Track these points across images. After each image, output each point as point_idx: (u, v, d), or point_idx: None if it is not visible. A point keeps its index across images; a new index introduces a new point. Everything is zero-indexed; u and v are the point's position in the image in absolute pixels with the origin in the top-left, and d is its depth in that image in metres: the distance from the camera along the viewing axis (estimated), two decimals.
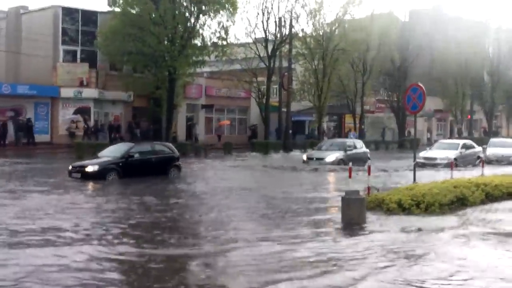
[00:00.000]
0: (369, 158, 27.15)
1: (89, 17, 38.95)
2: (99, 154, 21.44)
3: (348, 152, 28.43)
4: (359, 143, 31.17)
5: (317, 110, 45.04)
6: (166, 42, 35.45)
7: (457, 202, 13.98)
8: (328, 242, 10.17)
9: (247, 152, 37.33)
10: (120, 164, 20.15)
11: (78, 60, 38.55)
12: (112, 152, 21.24)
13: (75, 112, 37.27)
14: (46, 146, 34.74)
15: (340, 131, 54.08)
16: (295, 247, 9.65)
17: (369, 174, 15.26)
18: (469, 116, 61.73)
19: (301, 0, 42.78)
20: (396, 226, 11.64)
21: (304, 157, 29.08)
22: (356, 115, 49.32)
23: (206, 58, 38.28)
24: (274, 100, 45.02)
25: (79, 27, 38.63)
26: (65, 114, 37.14)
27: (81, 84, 37.04)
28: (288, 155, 37.18)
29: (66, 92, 36.67)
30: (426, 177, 19.92)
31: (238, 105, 48.37)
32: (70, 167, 20.33)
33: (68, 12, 38.48)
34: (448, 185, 14.96)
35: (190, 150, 35.06)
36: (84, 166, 19.92)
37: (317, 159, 27.97)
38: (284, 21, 42.54)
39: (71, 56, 38.70)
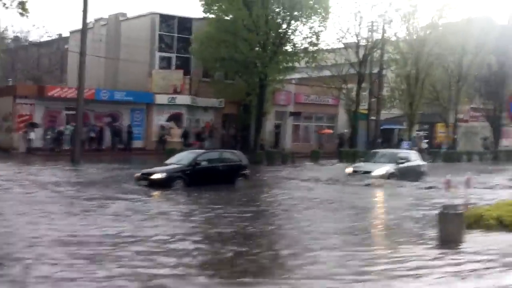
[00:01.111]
0: (424, 173, 25.83)
1: (185, 24, 39.92)
2: (167, 162, 21.46)
3: (400, 166, 24.97)
4: (414, 155, 27.71)
5: (408, 118, 44.01)
6: (257, 48, 35.83)
7: None
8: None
9: (334, 160, 36.95)
10: (187, 172, 19.98)
11: (173, 66, 39.66)
12: (179, 159, 21.11)
13: (168, 119, 38.24)
14: (141, 152, 35.99)
15: (431, 141, 52.52)
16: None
17: (468, 187, 14.72)
18: None
19: (394, 3, 42.00)
20: (497, 244, 11.19)
21: (349, 169, 25.62)
22: (448, 123, 47.72)
23: (297, 64, 38.40)
24: (363, 107, 44.37)
25: (175, 34, 39.73)
26: (159, 121, 38.26)
27: (175, 91, 38.04)
28: None
29: (161, 99, 37.77)
30: None
31: (326, 112, 48.01)
32: (138, 174, 20.32)
33: (165, 19, 39.63)
34: None
35: (277, 158, 35.15)
36: (151, 174, 19.79)
37: (365, 172, 24.45)
38: (377, 26, 41.96)
39: (166, 63, 39.84)
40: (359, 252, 10.56)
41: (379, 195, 21.02)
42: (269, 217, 15.13)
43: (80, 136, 30.09)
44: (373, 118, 42.55)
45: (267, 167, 31.37)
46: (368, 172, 24.19)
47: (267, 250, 10.92)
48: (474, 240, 11.58)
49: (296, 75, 44.48)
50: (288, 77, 41.51)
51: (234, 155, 22.57)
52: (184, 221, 14.01)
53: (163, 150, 33.34)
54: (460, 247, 11.01)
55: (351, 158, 37.29)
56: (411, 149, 34.29)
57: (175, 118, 38.39)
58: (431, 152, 45.68)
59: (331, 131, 46.59)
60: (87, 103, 31.99)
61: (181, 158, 21.17)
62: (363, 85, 42.70)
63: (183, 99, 38.08)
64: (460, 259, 10.07)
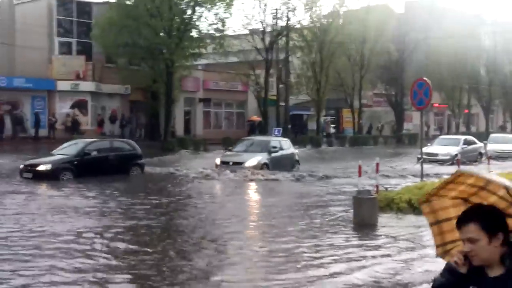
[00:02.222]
0: (298, 162, 24.19)
1: (84, 8, 38.49)
2: (53, 152, 20.42)
3: (273, 155, 22.67)
4: (286, 143, 25.01)
5: (315, 103, 44.75)
6: (162, 34, 35.09)
7: None
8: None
9: None
10: (75, 162, 19.05)
11: (74, 52, 38.06)
12: (67, 149, 20.12)
13: (72, 106, 36.82)
14: (47, 141, 34.09)
15: (337, 125, 53.82)
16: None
17: (377, 172, 15.02)
18: (466, 110, 61.61)
19: None
20: (407, 225, 11.46)
21: (217, 160, 22.61)
22: (354, 109, 49.04)
23: (203, 50, 38.02)
24: (272, 94, 44.65)
25: (74, 18, 38.15)
26: (62, 108, 36.67)
27: (77, 77, 36.56)
28: None
29: (63, 85, 36.16)
30: (432, 174, 19.70)
31: (236, 99, 47.98)
32: (22, 166, 19.15)
33: (62, 3, 37.98)
34: None
35: (189, 145, 34.74)
36: (36, 165, 18.75)
37: (234, 163, 21.73)
38: (281, 13, 42.22)
39: (66, 48, 38.17)
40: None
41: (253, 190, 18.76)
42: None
43: None
44: (282, 104, 42.86)
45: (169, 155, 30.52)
46: (239, 163, 21.65)
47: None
48: (387, 222, 11.79)
49: (204, 61, 44.09)
50: (195, 63, 41.01)
51: (127, 144, 21.77)
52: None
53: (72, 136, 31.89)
54: (375, 229, 11.16)
55: None
56: (282, 136, 31.63)
57: (80, 105, 36.90)
58: (338, 137, 46.88)
59: (259, 118, 46.18)
60: None
61: (69, 148, 20.18)
62: (271, 71, 42.92)
63: (87, 85, 36.63)
64: (376, 241, 10.17)
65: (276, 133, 32.42)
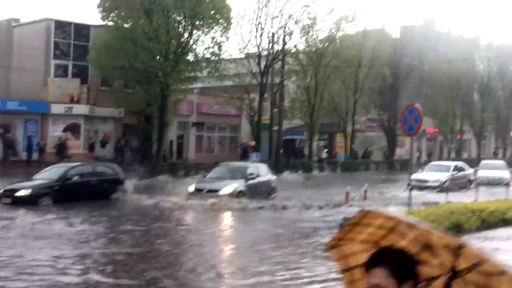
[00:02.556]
0: (274, 189, 23.11)
1: (82, 31, 38.68)
2: (35, 176, 20.22)
3: (250, 182, 21.62)
4: (264, 169, 23.89)
5: (308, 128, 44.96)
6: (159, 57, 35.31)
7: (453, 229, 13.84)
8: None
9: None
10: (56, 187, 18.84)
11: (70, 75, 38.19)
12: (48, 174, 19.90)
13: (65, 129, 36.70)
14: (38, 165, 33.99)
15: (330, 150, 53.98)
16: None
17: (365, 198, 15.14)
18: (459, 136, 61.91)
19: (294, 16, 42.85)
20: None
21: (191, 188, 21.33)
22: (347, 134, 49.28)
23: (199, 74, 38.27)
24: (265, 118, 44.82)
25: (71, 41, 38.35)
26: (55, 131, 36.59)
27: (72, 100, 36.60)
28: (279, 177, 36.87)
29: (57, 108, 36.14)
30: (420, 201, 19.80)
31: (229, 122, 48.12)
32: (1, 191, 18.85)
33: (60, 25, 38.16)
34: (444, 211, 14.89)
35: (180, 169, 34.71)
36: (15, 190, 18.52)
37: (210, 191, 20.59)
38: (278, 37, 42.61)
39: (62, 71, 38.31)
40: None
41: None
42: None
43: None
44: (275, 128, 43.04)
45: (163, 178, 30.40)
46: (214, 191, 20.47)
47: None
48: None
49: (199, 85, 44.32)
50: (190, 86, 41.22)
51: (109, 169, 21.58)
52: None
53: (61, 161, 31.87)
54: None
55: None
56: (260, 161, 30.14)
57: (72, 129, 36.89)
58: (330, 162, 46.98)
59: (253, 142, 46.29)
60: None
61: (51, 173, 19.95)
62: (265, 95, 43.14)
63: (81, 108, 36.68)
64: None
65: (254, 158, 30.97)
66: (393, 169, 47.27)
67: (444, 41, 57.36)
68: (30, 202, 17.95)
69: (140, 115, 38.63)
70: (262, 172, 23.11)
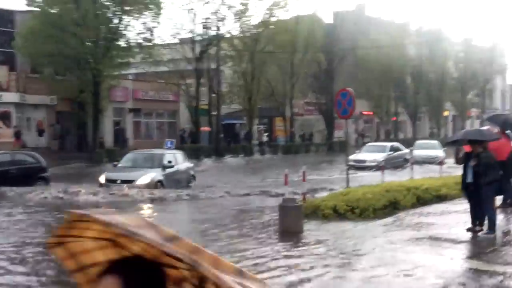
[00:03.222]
0: (194, 177, 21.70)
1: (7, 16, 37.17)
2: None
3: (168, 171, 19.76)
4: (181, 156, 21.84)
5: (247, 113, 44.93)
6: (89, 44, 34.48)
7: (390, 206, 14.08)
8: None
9: None
10: None
11: None
12: None
13: None
14: None
15: (270, 134, 54.20)
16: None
17: (304, 180, 15.16)
18: (394, 118, 63.36)
19: (227, 1, 42.50)
20: (331, 232, 11.59)
21: (102, 178, 19.35)
22: (286, 117, 49.56)
23: (132, 59, 37.62)
24: (203, 103, 44.48)
25: None
26: None
27: (1, 88, 35.23)
28: (219, 161, 36.85)
29: None
30: (358, 180, 20.07)
31: (167, 108, 47.48)
32: None
33: None
34: (381, 190, 15.08)
35: (119, 155, 34.01)
36: None
37: (124, 181, 18.58)
38: (211, 23, 42.18)
39: None
40: None
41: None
42: None
43: None
44: (214, 113, 42.79)
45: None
46: (129, 181, 18.53)
47: None
48: (311, 229, 11.87)
49: (133, 71, 43.52)
50: (124, 72, 40.41)
51: (31, 157, 20.67)
52: None
53: None
54: (299, 237, 11.20)
55: (195, 154, 37.29)
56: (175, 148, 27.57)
57: (3, 117, 35.52)
58: (271, 145, 47.23)
59: (208, 128, 45.56)
60: None
61: None
62: (202, 81, 42.80)
63: (10, 96, 35.33)
64: (299, 250, 10.19)
65: (168, 145, 26.93)
66: (332, 151, 47.99)
67: (375, 26, 58.33)
68: None
69: (73, 102, 37.59)
70: (179, 160, 21.08)
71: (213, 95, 43.59)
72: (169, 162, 20.00)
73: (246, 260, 9.12)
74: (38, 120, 38.14)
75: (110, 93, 39.11)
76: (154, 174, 19.04)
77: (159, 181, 19.09)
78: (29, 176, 19.50)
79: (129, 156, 21.38)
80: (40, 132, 37.33)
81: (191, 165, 22.45)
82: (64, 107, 38.48)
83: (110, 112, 40.68)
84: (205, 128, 44.63)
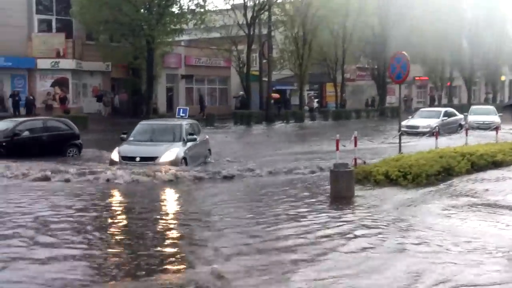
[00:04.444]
0: (210, 152, 18.77)
1: None
2: None
3: (190, 144, 16.68)
4: (197, 127, 18.85)
5: (298, 78, 44.79)
6: (143, 10, 34.89)
7: (443, 172, 13.98)
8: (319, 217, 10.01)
9: (229, 124, 37.10)
10: (4, 143, 17.89)
11: (54, 30, 37.59)
12: None
13: (53, 84, 36.48)
14: None
15: (321, 100, 53.90)
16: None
17: (355, 145, 15.17)
18: (448, 83, 61.96)
19: None
20: (384, 198, 11.61)
21: (114, 155, 16.07)
22: (337, 83, 49.14)
23: (184, 26, 37.90)
24: (254, 69, 44.60)
25: None
26: (43, 86, 36.38)
27: (58, 55, 36.20)
28: (269, 127, 37.05)
29: (43, 64, 35.79)
30: (411, 147, 19.92)
31: (219, 74, 47.88)
32: None
33: None
34: (434, 155, 14.97)
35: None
36: None
37: (144, 159, 15.61)
38: None
39: (46, 26, 37.64)
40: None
41: None
42: None
43: None
44: (264, 79, 42.85)
45: None
46: (151, 159, 15.58)
47: None
48: (363, 195, 11.92)
49: (186, 37, 43.89)
50: (177, 39, 40.83)
51: (63, 124, 20.36)
52: None
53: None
54: (351, 203, 11.28)
55: (246, 120, 37.68)
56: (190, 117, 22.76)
57: (61, 83, 36.61)
58: (322, 111, 47.06)
59: (278, 95, 45.84)
60: None
61: None
62: (253, 46, 42.81)
63: (67, 63, 36.30)
64: (350, 215, 10.28)
65: (181, 114, 22.37)
66: (384, 117, 47.43)
67: None
68: None
69: (128, 69, 38.37)
70: (196, 131, 18.01)
71: (264, 61, 43.55)
72: (191, 134, 17.09)
73: (298, 227, 9.23)
74: (94, 86, 39.19)
75: (163, 60, 39.72)
76: (178, 149, 16.05)
77: (184, 158, 16.05)
78: (61, 143, 19.34)
79: (141, 127, 17.58)
80: (98, 98, 38.31)
81: (207, 137, 19.35)
82: (119, 74, 39.36)
83: (163, 78, 41.37)
84: (275, 95, 44.70)
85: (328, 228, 9.16)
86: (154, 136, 17.04)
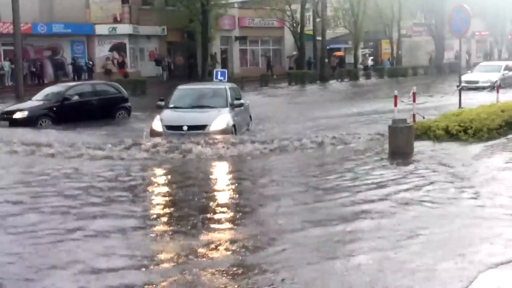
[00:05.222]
0: (251, 118, 16.99)
1: None
2: (34, 98, 19.18)
3: (237, 110, 14.95)
4: (238, 91, 16.81)
5: (353, 36, 44.21)
6: None
7: (505, 126, 13.73)
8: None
9: (283, 84, 37.14)
10: (54, 108, 18.03)
11: None
12: (46, 95, 18.93)
13: (111, 49, 37.46)
14: None
15: (376, 58, 53.05)
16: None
17: (414, 101, 15.07)
18: (509, 37, 59.76)
19: None
20: (444, 153, 11.56)
21: (157, 124, 13.89)
22: (392, 40, 48.22)
23: None
24: (308, 28, 44.23)
25: None
26: (101, 52, 37.32)
27: (115, 20, 37.02)
28: (324, 86, 36.91)
29: (101, 29, 36.73)
30: (470, 102, 19.57)
31: (272, 35, 47.74)
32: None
33: None
34: (496, 109, 14.67)
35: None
36: (13, 112, 17.88)
37: (191, 127, 13.55)
38: None
39: None
40: None
41: None
42: None
43: (21, 72, 29.04)
44: (318, 38, 42.49)
45: None
46: (200, 127, 13.58)
47: None
48: (422, 151, 11.89)
49: None
50: (230, 1, 40.86)
51: (111, 88, 20.53)
52: None
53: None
54: (410, 158, 11.30)
55: (300, 79, 37.61)
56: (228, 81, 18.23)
57: (118, 48, 37.46)
58: (377, 69, 46.42)
59: (341, 53, 45.41)
60: (24, 37, 30.88)
61: (49, 93, 18.97)
62: (307, 5, 42.38)
63: (124, 28, 37.09)
64: (410, 171, 10.33)
65: (219, 78, 17.88)
66: (442, 73, 46.33)
67: None
68: (28, 123, 17.13)
69: (183, 32, 38.81)
70: (238, 95, 16.09)
71: (318, 19, 43.13)
72: (238, 99, 15.33)
73: (358, 181, 9.41)
74: (150, 50, 39.89)
75: (217, 22, 39.93)
76: (228, 116, 14.10)
77: (233, 125, 14.16)
78: (110, 106, 19.46)
79: (181, 92, 15.57)
80: (157, 62, 38.94)
81: (248, 102, 17.09)
82: (174, 38, 39.89)
83: (217, 41, 41.64)
84: (338, 53, 43.69)
85: (384, 181, 9.25)
86: (197, 101, 15.09)
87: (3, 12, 40.55)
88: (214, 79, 17.34)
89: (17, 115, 17.64)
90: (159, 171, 11.18)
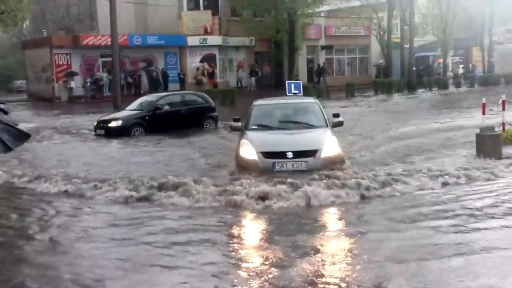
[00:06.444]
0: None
1: None
2: (128, 108, 19.93)
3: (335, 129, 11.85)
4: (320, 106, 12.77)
5: (442, 44, 43.42)
6: None
7: None
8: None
9: (369, 93, 37.02)
10: (147, 117, 18.58)
11: (201, 7, 39.67)
12: (138, 105, 19.62)
13: (201, 60, 38.66)
14: None
15: (467, 65, 51.66)
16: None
17: (503, 109, 14.87)
18: None
19: None
20: None
21: (248, 151, 10.55)
22: (484, 47, 46.88)
23: None
24: (395, 36, 43.85)
25: None
26: (192, 62, 38.73)
27: (205, 32, 38.25)
28: (411, 95, 36.41)
29: (192, 41, 38.03)
30: None
31: (358, 43, 47.72)
32: (96, 123, 19.07)
33: None
34: None
35: (313, 93, 35.34)
36: (108, 121, 18.58)
37: (298, 154, 10.27)
38: None
39: (194, 4, 39.73)
40: None
41: None
42: None
43: (119, 82, 30.74)
44: (406, 46, 42.06)
45: None
46: (309, 153, 10.28)
47: None
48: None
49: (325, 8, 44.06)
50: (317, 10, 41.25)
51: (199, 97, 20.95)
52: None
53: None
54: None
55: (387, 88, 37.30)
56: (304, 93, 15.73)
57: (209, 59, 38.74)
58: (467, 77, 45.20)
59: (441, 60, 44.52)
60: (121, 49, 32.30)
61: (141, 103, 19.68)
62: (394, 13, 42.09)
63: (214, 39, 38.29)
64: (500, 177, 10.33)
65: (294, 91, 13.95)
66: None
67: None
68: (122, 132, 17.85)
69: (270, 42, 39.62)
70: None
71: (406, 27, 42.68)
72: (337, 116, 12.14)
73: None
74: (239, 60, 40.95)
75: (304, 32, 40.47)
76: (335, 138, 10.96)
77: None
78: (198, 116, 19.79)
79: (261, 109, 12.40)
80: (252, 73, 39.87)
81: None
82: (262, 48, 40.78)
83: (304, 50, 42.16)
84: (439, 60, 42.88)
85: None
86: (287, 120, 11.97)
87: (102, 24, 43.17)
88: (288, 93, 13.64)
89: (112, 124, 18.35)
90: None
